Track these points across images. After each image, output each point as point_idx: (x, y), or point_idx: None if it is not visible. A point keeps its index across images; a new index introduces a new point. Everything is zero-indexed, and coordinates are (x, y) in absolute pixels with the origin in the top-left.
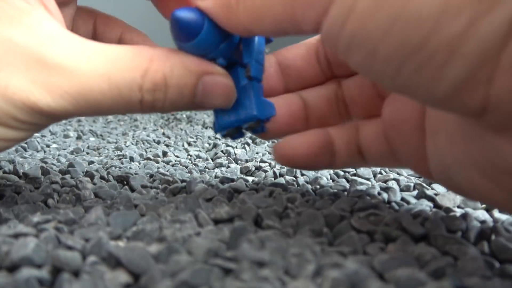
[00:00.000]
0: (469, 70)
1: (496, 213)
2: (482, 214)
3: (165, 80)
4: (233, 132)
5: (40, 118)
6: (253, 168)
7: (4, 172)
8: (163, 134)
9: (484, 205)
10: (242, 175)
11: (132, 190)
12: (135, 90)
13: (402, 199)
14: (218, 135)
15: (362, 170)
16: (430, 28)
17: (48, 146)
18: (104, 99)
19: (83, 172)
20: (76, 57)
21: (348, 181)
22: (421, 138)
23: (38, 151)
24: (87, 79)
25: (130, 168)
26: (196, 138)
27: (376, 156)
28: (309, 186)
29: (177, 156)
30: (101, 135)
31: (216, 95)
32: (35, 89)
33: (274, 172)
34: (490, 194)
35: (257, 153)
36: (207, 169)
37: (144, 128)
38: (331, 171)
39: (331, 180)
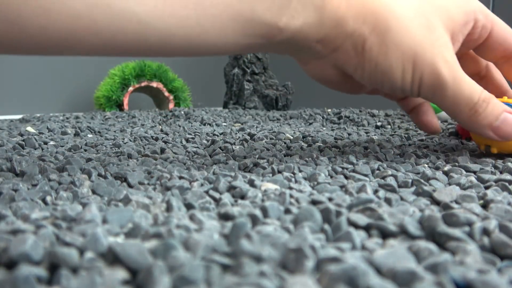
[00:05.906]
0: None
1: (494, 209)
2: (481, 210)
3: (490, 100)
4: None
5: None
6: (251, 165)
7: (2, 170)
8: (161, 130)
9: (481, 201)
10: (240, 172)
11: (130, 187)
12: (475, 98)
13: (400, 195)
14: (215, 131)
15: (360, 166)
16: None
17: (45, 143)
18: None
19: (80, 169)
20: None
21: (346, 177)
22: None
23: (35, 149)
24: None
25: (128, 165)
26: (194, 135)
27: None
28: (307, 182)
29: (175, 153)
30: (99, 132)
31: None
32: None
33: (272, 169)
34: None
35: (255, 149)
36: (205, 166)
37: (142, 125)
38: (329, 168)
39: (329, 177)
